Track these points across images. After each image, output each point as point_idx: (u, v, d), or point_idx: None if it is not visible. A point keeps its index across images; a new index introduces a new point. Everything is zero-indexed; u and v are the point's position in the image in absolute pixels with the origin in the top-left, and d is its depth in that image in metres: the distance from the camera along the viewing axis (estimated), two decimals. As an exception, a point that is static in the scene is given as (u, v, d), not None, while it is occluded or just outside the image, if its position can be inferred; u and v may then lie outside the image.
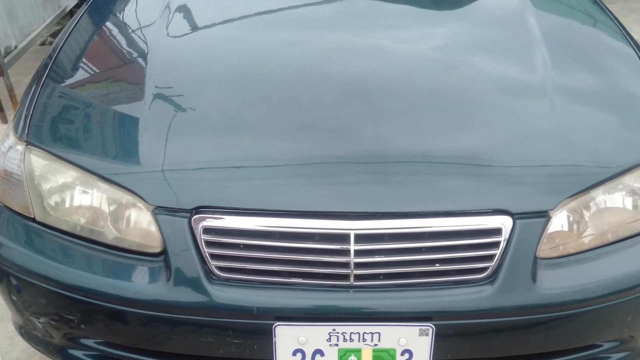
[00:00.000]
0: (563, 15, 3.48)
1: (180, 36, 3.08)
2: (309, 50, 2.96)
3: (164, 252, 2.25)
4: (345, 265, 2.17)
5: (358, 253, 2.16)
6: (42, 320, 2.48)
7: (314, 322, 2.21)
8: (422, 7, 3.42)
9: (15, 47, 5.95)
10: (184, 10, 3.27)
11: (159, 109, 2.57)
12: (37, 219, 2.40)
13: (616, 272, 2.30)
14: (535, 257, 2.23)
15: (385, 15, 3.27)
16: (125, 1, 3.53)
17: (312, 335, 2.21)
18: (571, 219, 2.29)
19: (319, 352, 2.25)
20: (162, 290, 2.21)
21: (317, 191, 2.26)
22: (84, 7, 3.43)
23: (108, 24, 3.35)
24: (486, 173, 2.33)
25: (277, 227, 2.19)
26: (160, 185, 2.28)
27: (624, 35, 3.13)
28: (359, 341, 2.22)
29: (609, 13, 3.37)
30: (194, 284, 2.20)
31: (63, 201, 2.38)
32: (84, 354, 2.51)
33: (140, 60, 2.97)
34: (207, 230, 2.19)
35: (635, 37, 3.14)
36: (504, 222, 2.20)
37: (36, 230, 2.41)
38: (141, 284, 2.25)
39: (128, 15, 3.39)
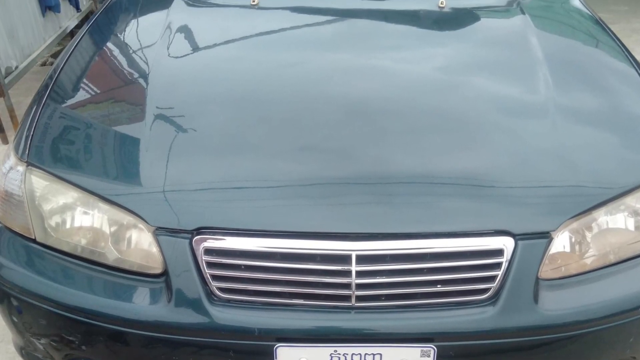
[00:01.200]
0: (565, 35, 3.51)
1: (181, 57, 3.10)
2: (310, 71, 2.99)
3: (165, 273, 2.26)
4: (347, 286, 2.19)
5: (360, 274, 2.18)
6: (43, 341, 2.49)
7: (316, 343, 2.22)
8: (424, 28, 3.46)
9: (16, 67, 5.99)
10: (185, 30, 3.29)
11: (160, 129, 2.59)
12: (38, 239, 2.42)
13: (618, 294, 2.32)
14: (537, 278, 2.25)
15: (387, 35, 3.30)
16: (126, 22, 3.57)
17: (313, 356, 2.23)
18: (573, 239, 2.31)
19: (320, 373, 2.26)
20: (163, 312, 2.23)
21: (319, 212, 2.27)
22: (84, 28, 3.46)
23: (109, 44, 3.37)
24: (488, 194, 2.35)
25: (279, 248, 2.20)
26: (161, 206, 2.30)
27: (626, 55, 3.15)
28: (360, 362, 2.23)
29: (610, 33, 3.39)
30: (195, 305, 2.21)
31: (64, 222, 2.40)
32: (85, 375, 2.52)
33: (141, 80, 2.98)
34: (208, 251, 2.21)
35: (638, 57, 3.16)
36: (506, 243, 2.22)
37: (37, 251, 2.42)
38: (142, 305, 2.26)
39: (129, 35, 3.42)
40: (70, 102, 2.90)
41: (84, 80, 3.05)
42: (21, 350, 2.71)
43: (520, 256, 2.22)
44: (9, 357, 3.34)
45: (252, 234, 2.22)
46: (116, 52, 3.28)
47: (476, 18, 3.54)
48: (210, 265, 2.22)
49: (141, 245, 2.30)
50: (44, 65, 7.52)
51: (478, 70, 3.00)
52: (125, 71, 3.12)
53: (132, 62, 3.18)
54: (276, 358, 2.23)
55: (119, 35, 3.46)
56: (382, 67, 2.98)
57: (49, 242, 2.41)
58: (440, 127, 2.61)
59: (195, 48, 3.22)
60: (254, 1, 3.50)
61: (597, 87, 2.93)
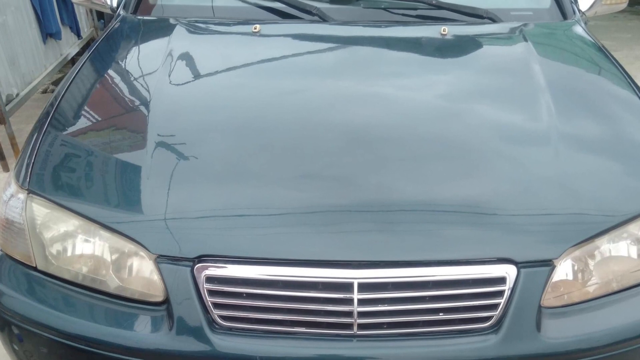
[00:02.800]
0: (568, 62, 3.54)
1: (182, 84, 3.12)
2: (312, 98, 3.01)
3: (166, 301, 2.28)
4: (349, 314, 2.20)
5: (361, 302, 2.20)
6: (43, 370, 2.50)
7: (318, 371, 2.24)
8: (426, 55, 3.48)
9: (17, 95, 6.03)
10: (187, 58, 3.32)
11: (161, 157, 2.61)
12: (39, 267, 2.44)
13: (621, 321, 2.34)
14: (540, 306, 2.27)
15: (389, 63, 3.33)
16: (127, 49, 3.59)
17: (315, 384, 2.24)
18: (576, 267, 2.33)
19: (322, 401, 2.27)
20: (164, 340, 2.24)
21: (320, 240, 2.30)
22: (85, 55, 3.47)
23: (110, 71, 3.39)
24: (490, 222, 2.37)
25: (280, 276, 2.22)
26: (163, 233, 2.32)
27: (629, 83, 3.17)
28: (362, 390, 2.24)
29: (613, 61, 3.41)
30: (197, 333, 2.23)
31: (65, 250, 2.41)
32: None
33: (142, 108, 2.99)
34: (210, 279, 2.23)
35: (640, 84, 3.20)
36: (508, 271, 2.24)
37: (38, 279, 2.45)
38: (143, 333, 2.28)
39: (130, 63, 3.44)
40: (71, 129, 2.92)
41: (85, 107, 3.06)
42: (22, 379, 2.71)
43: (523, 284, 2.24)
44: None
45: (254, 261, 2.24)
46: (117, 79, 3.30)
47: (478, 45, 3.57)
48: (212, 293, 2.23)
49: (142, 273, 2.32)
50: (45, 92, 7.55)
51: (480, 98, 3.02)
52: (126, 98, 3.13)
53: (133, 90, 3.20)
54: None
55: (120, 62, 3.47)
56: (384, 94, 3.00)
57: (50, 270, 2.43)
58: (443, 155, 2.63)
59: (197, 75, 3.25)
60: (255, 28, 3.52)
61: (600, 115, 2.95)
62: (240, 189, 2.46)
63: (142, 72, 3.31)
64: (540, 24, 3.79)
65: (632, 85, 3.16)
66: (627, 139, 2.80)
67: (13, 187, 2.59)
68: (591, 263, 2.36)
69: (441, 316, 2.24)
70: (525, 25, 3.69)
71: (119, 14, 3.89)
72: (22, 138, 4.04)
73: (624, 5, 4.16)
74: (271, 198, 2.42)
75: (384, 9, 3.73)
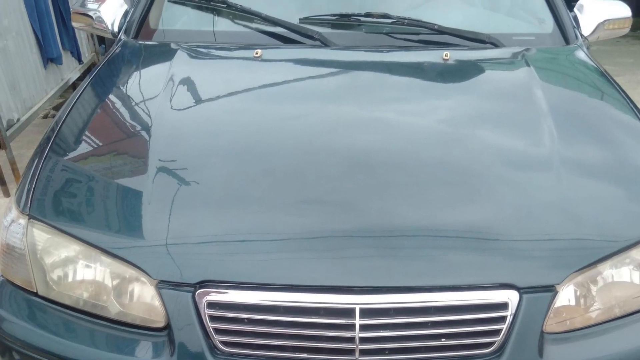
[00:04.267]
0: (570, 87, 3.57)
1: (184, 109, 3.13)
2: (314, 123, 3.02)
3: (167, 327, 2.29)
4: (351, 340, 2.21)
5: (363, 328, 2.20)
6: (44, 396, 2.51)
7: (319, 397, 2.24)
8: (428, 80, 3.50)
9: (18, 120, 6.05)
10: (188, 82, 3.34)
11: (162, 182, 2.62)
12: (40, 293, 2.45)
13: (623, 347, 2.34)
14: (542, 332, 2.28)
15: (390, 88, 3.35)
16: (128, 74, 3.61)
17: (317, 411, 2.24)
18: (578, 293, 2.34)
19: None
20: None
21: (322, 265, 2.31)
22: (86, 80, 3.49)
23: (111, 96, 3.41)
24: (492, 247, 2.38)
25: (282, 301, 2.23)
26: (164, 259, 2.33)
27: (631, 107, 3.19)
28: (364, 416, 2.24)
29: (616, 85, 3.43)
30: (198, 359, 2.24)
31: (66, 275, 2.43)
32: None
33: (143, 133, 3.01)
34: (211, 305, 2.24)
35: (643, 109, 3.21)
36: (511, 297, 2.25)
37: (39, 304, 2.46)
38: (145, 359, 2.29)
39: (131, 87, 3.46)
40: (72, 154, 2.93)
41: (86, 132, 3.08)
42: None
43: (525, 310, 2.25)
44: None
45: (256, 287, 2.25)
46: (118, 104, 3.32)
47: (481, 70, 3.60)
48: (213, 318, 2.24)
49: (143, 298, 2.33)
50: (46, 117, 7.58)
51: (483, 123, 3.03)
52: (127, 123, 3.15)
53: (134, 115, 3.21)
54: None
55: (121, 87, 3.49)
56: (386, 119, 3.01)
57: (51, 296, 2.44)
58: (444, 180, 2.64)
59: (198, 100, 3.26)
60: (256, 53, 3.54)
61: (602, 140, 2.96)
62: (241, 214, 2.47)
63: (143, 97, 3.33)
64: (543, 48, 3.81)
65: (635, 110, 3.18)
66: (629, 164, 2.82)
67: (14, 212, 2.60)
68: (594, 289, 2.37)
69: (443, 342, 2.25)
70: (527, 50, 3.71)
71: (120, 39, 3.91)
72: (22, 163, 4.05)
73: (626, 30, 4.19)
74: (273, 223, 2.43)
75: (386, 33, 3.75)
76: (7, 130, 5.77)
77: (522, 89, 3.29)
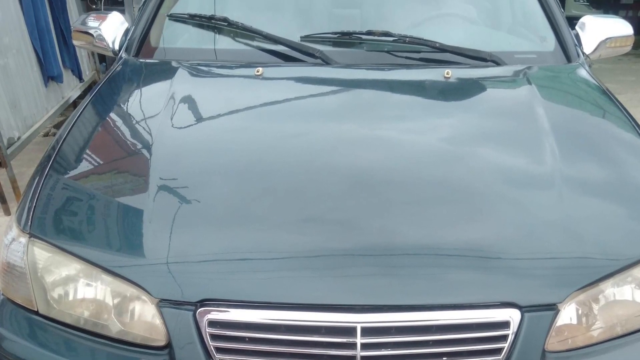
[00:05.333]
0: (572, 106, 3.57)
1: (185, 127, 3.15)
2: (315, 142, 3.03)
3: (168, 346, 2.30)
4: (352, 358, 2.21)
5: (365, 346, 2.21)
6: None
7: (320, 416, 2.24)
8: (430, 98, 3.51)
9: (19, 138, 6.07)
10: (189, 101, 3.35)
11: (163, 200, 2.63)
12: (41, 311, 2.46)
13: None
14: (544, 351, 2.28)
15: (392, 106, 3.36)
16: (129, 92, 3.63)
17: None
18: (580, 312, 2.35)
19: None
20: None
21: (323, 284, 2.31)
22: (87, 98, 3.50)
23: (112, 114, 3.42)
24: (494, 265, 2.39)
25: (283, 320, 2.24)
26: (165, 277, 2.34)
27: (633, 126, 3.20)
28: None
29: (618, 104, 3.44)
30: None
31: (66, 294, 2.44)
32: None
33: (144, 151, 3.02)
34: (212, 323, 2.25)
35: (645, 128, 3.22)
36: (512, 315, 2.25)
37: (39, 323, 2.46)
38: None
39: (132, 106, 3.47)
40: (73, 173, 2.95)
41: (87, 151, 3.09)
42: None
43: (527, 328, 2.26)
44: None
45: (257, 306, 2.26)
46: (119, 122, 3.33)
47: (482, 88, 3.61)
48: (214, 337, 2.25)
49: (144, 317, 2.34)
50: (47, 135, 7.59)
51: (484, 141, 3.05)
52: (128, 142, 3.16)
53: (135, 133, 3.22)
54: None
55: (122, 105, 3.50)
56: (387, 137, 3.02)
57: (52, 314, 2.45)
58: (446, 199, 2.65)
59: (199, 118, 3.27)
60: (258, 71, 3.55)
61: (604, 158, 2.97)
62: (242, 232, 2.48)
63: (144, 115, 3.34)
64: (544, 67, 3.82)
65: (636, 128, 3.19)
66: (631, 183, 2.83)
67: (14, 230, 2.61)
68: (595, 307, 2.38)
69: None
70: (529, 68, 3.73)
71: (120, 57, 3.92)
72: (23, 181, 4.06)
73: (628, 48, 4.20)
74: (274, 242, 2.44)
75: (387, 52, 3.77)
76: (7, 148, 5.79)
77: (524, 107, 3.30)
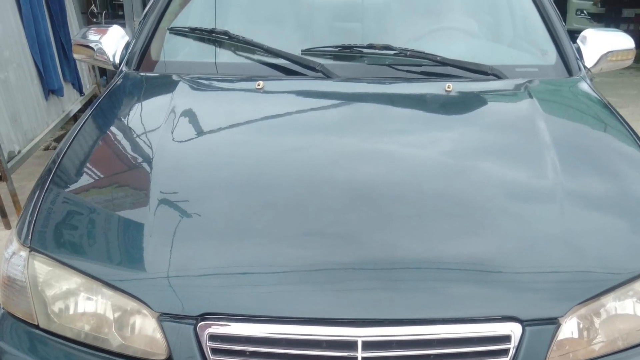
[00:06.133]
0: (573, 119, 3.58)
1: (185, 141, 3.15)
2: (316, 155, 3.04)
3: (169, 359, 2.30)
4: (353, 373, 2.22)
5: (366, 360, 2.22)
6: None
7: None
8: (431, 112, 3.53)
9: (19, 152, 6.08)
10: (190, 114, 3.36)
11: (164, 214, 2.64)
12: (41, 325, 2.46)
13: None
14: None
15: (393, 120, 3.37)
16: (129, 105, 3.64)
17: None
18: (581, 325, 2.35)
19: None
20: None
21: (324, 298, 2.32)
22: (88, 112, 3.51)
23: (112, 128, 3.43)
24: (495, 279, 2.40)
25: (284, 334, 2.24)
26: (166, 291, 2.34)
27: (635, 140, 3.20)
28: None
29: (619, 117, 3.45)
30: None
31: (67, 308, 2.44)
32: None
33: (145, 165, 3.03)
34: (213, 337, 2.25)
35: (647, 141, 3.23)
36: (513, 329, 2.26)
37: (40, 337, 2.46)
38: None
39: (133, 119, 3.48)
40: (73, 186, 2.95)
41: (87, 164, 3.09)
42: None
43: (528, 342, 2.26)
44: None
45: (258, 319, 2.26)
46: (120, 136, 3.34)
47: (483, 102, 3.63)
48: (215, 351, 2.25)
49: (145, 331, 2.34)
50: (47, 149, 7.61)
51: (485, 155, 3.05)
52: (129, 155, 3.17)
53: (135, 147, 3.23)
54: None
55: (122, 119, 3.51)
56: (388, 151, 3.03)
57: (52, 328, 2.45)
58: (447, 212, 2.66)
59: (200, 132, 3.29)
60: (258, 85, 3.56)
61: (606, 172, 2.98)
62: (243, 246, 2.49)
63: (144, 129, 3.34)
64: (546, 80, 3.83)
65: (638, 142, 3.19)
66: (632, 196, 2.83)
67: (15, 244, 2.61)
68: (597, 321, 2.38)
69: None
70: (530, 81, 3.73)
71: (121, 71, 3.93)
72: (24, 195, 4.07)
73: (629, 62, 4.21)
74: (274, 256, 2.45)
75: (388, 65, 3.78)
76: (8, 162, 5.80)
77: (525, 120, 3.30)
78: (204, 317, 2.27)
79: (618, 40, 4.17)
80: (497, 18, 4.44)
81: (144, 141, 3.24)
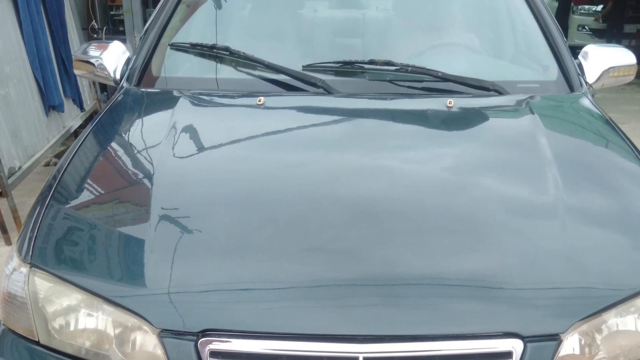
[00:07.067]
0: (574, 135, 3.59)
1: (186, 157, 3.16)
2: (317, 172, 3.04)
3: None
4: (354, 389, 2.22)
5: (367, 377, 2.22)
6: None
7: None
8: (432, 128, 3.53)
9: (19, 168, 6.09)
10: (190, 130, 3.37)
11: (165, 230, 2.64)
12: (42, 342, 2.46)
13: None
14: None
15: (394, 135, 3.38)
16: (130, 121, 3.65)
17: None
18: (583, 342, 2.35)
19: None
20: None
21: (325, 314, 2.33)
22: (88, 128, 3.52)
23: (113, 144, 3.44)
24: (497, 295, 2.40)
25: (285, 350, 2.25)
26: (166, 307, 2.35)
27: (636, 156, 3.21)
28: None
29: (621, 134, 3.45)
30: None
31: (68, 324, 2.44)
32: None
33: (145, 181, 3.04)
34: (214, 354, 2.25)
35: (648, 157, 3.24)
36: (515, 346, 2.26)
37: (40, 353, 2.47)
38: None
39: (133, 135, 3.49)
40: (74, 202, 2.96)
41: (88, 180, 3.10)
42: None
43: (529, 358, 2.26)
44: None
45: (259, 336, 2.27)
46: (120, 152, 3.35)
47: (485, 118, 3.63)
48: None
49: (146, 347, 2.34)
50: (48, 165, 7.62)
51: (486, 171, 3.06)
52: (129, 171, 3.18)
53: (136, 163, 3.25)
54: None
55: (123, 135, 3.52)
56: (389, 167, 3.04)
57: (53, 345, 2.45)
58: (448, 228, 2.66)
59: (201, 148, 3.30)
60: (259, 101, 3.56)
61: (607, 188, 2.99)
62: (244, 262, 2.50)
63: (145, 145, 3.35)
64: (547, 96, 3.83)
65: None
66: (634, 213, 2.83)
67: (15, 260, 2.62)
68: (598, 337, 2.38)
69: None
70: (531, 97, 3.73)
71: (122, 86, 3.93)
72: (24, 211, 4.08)
73: (631, 78, 4.22)
74: (276, 272, 2.46)
75: (390, 81, 3.79)
76: (8, 178, 5.81)
77: (527, 136, 3.31)
78: (205, 333, 2.28)
79: (620, 56, 4.17)
80: (499, 34, 4.46)
81: (144, 157, 3.25)
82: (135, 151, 3.32)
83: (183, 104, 3.61)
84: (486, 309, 2.36)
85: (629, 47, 4.41)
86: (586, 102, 3.81)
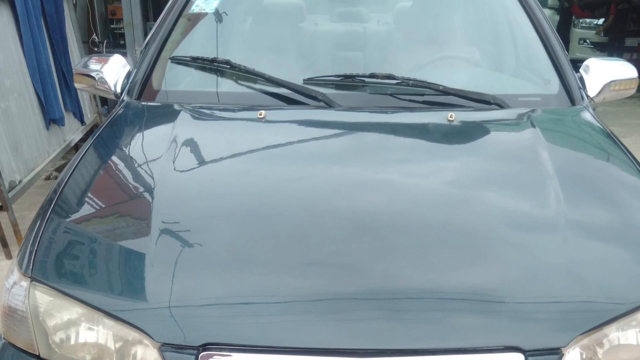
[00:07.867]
0: (576, 149, 3.59)
1: (187, 170, 3.16)
2: (318, 185, 3.04)
3: None
4: (355, 403, 2.22)
5: (368, 391, 2.22)
6: None
7: None
8: (433, 141, 3.53)
9: (20, 181, 6.11)
10: (191, 144, 3.37)
11: (165, 244, 2.65)
12: (42, 356, 2.47)
13: None
14: None
15: (395, 149, 3.38)
16: (131, 135, 3.65)
17: None
18: (584, 356, 2.35)
19: None
20: None
21: (326, 328, 2.33)
22: (89, 141, 3.52)
23: (114, 158, 3.44)
24: (498, 309, 2.40)
25: None
26: (167, 321, 2.35)
27: (638, 169, 3.21)
28: None
29: (622, 147, 3.45)
30: None
31: (68, 338, 2.44)
32: None
33: (146, 194, 3.04)
34: None
35: (649, 171, 3.24)
36: (516, 359, 2.27)
37: None
38: None
39: (134, 149, 3.49)
40: (74, 216, 2.96)
41: (89, 194, 3.11)
42: None
43: None
44: None
45: (259, 350, 2.27)
46: (121, 165, 3.35)
47: (486, 131, 3.64)
48: None
49: None
50: (48, 179, 7.64)
51: (488, 185, 3.07)
52: (130, 185, 3.19)
53: (137, 176, 3.25)
54: None
55: (124, 148, 3.52)
56: (390, 181, 3.04)
57: (54, 359, 2.45)
58: (450, 242, 2.67)
59: (202, 162, 3.30)
60: (260, 114, 3.56)
61: (608, 202, 2.99)
62: (245, 276, 2.50)
63: (146, 159, 3.35)
64: (548, 110, 3.83)
65: None
66: (635, 226, 2.84)
67: (16, 274, 2.62)
68: (600, 351, 2.38)
69: None
70: (533, 111, 3.73)
71: (122, 100, 3.94)
72: (25, 225, 4.09)
73: (633, 91, 4.21)
74: (276, 286, 2.46)
75: (391, 94, 3.80)
76: (9, 191, 5.83)
77: (528, 150, 3.31)
78: (205, 347, 2.28)
79: (621, 69, 4.17)
80: (500, 47, 4.47)
81: (145, 171, 3.26)
82: (136, 165, 3.33)
83: (184, 117, 3.62)
84: (487, 323, 2.36)
85: (630, 60, 4.42)
86: (587, 115, 3.81)
